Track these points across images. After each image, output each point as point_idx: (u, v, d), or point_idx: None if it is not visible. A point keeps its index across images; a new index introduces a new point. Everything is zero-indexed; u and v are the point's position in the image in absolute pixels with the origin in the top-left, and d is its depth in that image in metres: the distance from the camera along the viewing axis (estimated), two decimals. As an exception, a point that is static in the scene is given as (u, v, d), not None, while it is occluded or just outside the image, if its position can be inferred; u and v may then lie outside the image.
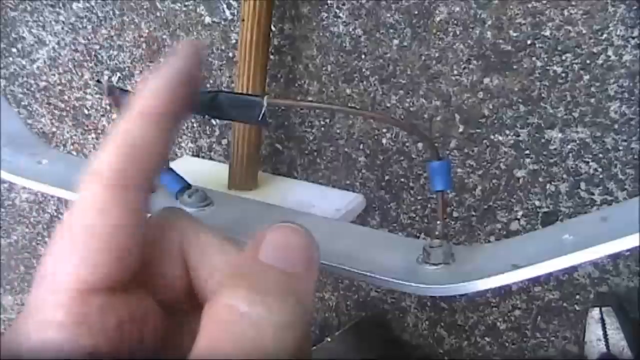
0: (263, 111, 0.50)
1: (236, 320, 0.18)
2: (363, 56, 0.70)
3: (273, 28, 0.71)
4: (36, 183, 0.61)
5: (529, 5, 0.61)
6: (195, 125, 0.84)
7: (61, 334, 0.19)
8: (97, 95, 0.90)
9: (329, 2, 0.69)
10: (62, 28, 0.89)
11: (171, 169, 0.58)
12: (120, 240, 0.19)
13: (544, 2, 0.60)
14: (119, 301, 0.20)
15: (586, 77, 0.61)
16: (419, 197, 0.72)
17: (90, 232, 0.19)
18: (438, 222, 0.50)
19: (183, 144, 0.86)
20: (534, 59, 0.62)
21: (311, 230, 0.58)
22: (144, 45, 0.84)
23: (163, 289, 0.22)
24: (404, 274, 0.49)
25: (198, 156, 0.85)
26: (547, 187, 0.65)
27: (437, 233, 0.49)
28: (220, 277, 0.22)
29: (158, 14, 0.81)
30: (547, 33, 0.61)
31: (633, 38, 0.58)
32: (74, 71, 0.90)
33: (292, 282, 0.20)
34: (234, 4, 0.75)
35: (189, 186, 0.57)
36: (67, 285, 0.19)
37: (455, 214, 0.71)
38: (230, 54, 0.77)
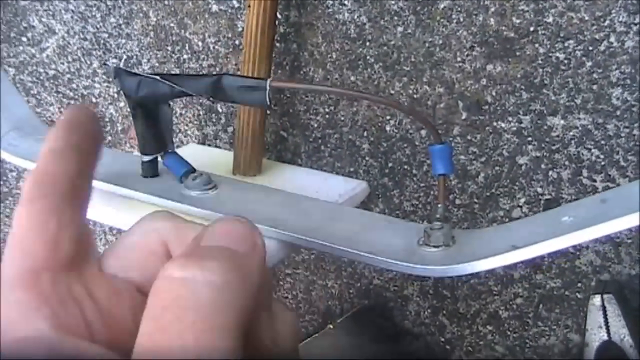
0: (266, 94, 0.51)
1: (173, 286, 0.19)
2: (367, 43, 0.70)
3: (279, 16, 0.72)
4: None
5: (533, -7, 0.61)
6: (201, 113, 0.85)
7: (21, 309, 0.21)
8: (105, 84, 0.91)
9: (334, -11, 0.70)
10: (72, 17, 0.90)
11: (176, 153, 0.58)
12: (48, 231, 0.23)
13: (547, -11, 0.60)
14: (74, 279, 0.22)
15: (588, 64, 0.61)
16: (422, 184, 0.73)
17: (22, 229, 0.23)
18: (439, 205, 0.50)
19: (189, 132, 0.87)
20: (536, 45, 0.62)
21: (314, 213, 0.59)
22: (152, 34, 0.85)
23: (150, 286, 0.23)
24: (405, 255, 0.50)
25: (204, 144, 0.86)
26: (550, 174, 0.66)
27: (437, 216, 0.50)
28: None
29: (166, 2, 0.82)
30: (550, 20, 0.61)
31: (635, 24, 0.58)
32: (82, 60, 0.92)
33: (231, 252, 0.21)
34: (241, -8, 0.76)
35: (193, 170, 0.58)
36: (14, 270, 0.22)
37: (457, 201, 0.71)
38: (237, 42, 0.78)
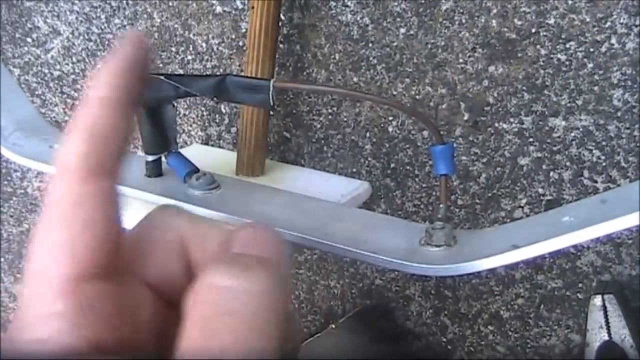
0: (270, 94, 0.51)
1: (221, 295, 0.19)
2: (370, 45, 0.71)
3: (282, 17, 0.73)
4: (47, 166, 0.62)
5: (534, -5, 0.62)
6: (204, 113, 0.85)
7: (64, 323, 0.19)
8: (110, 84, 0.92)
9: (337, -9, 0.71)
10: (77, 18, 0.90)
11: (180, 154, 0.59)
12: (98, 228, 0.20)
13: (549, -10, 0.61)
14: (113, 289, 0.21)
15: (590, 65, 0.61)
16: (424, 185, 0.73)
17: (70, 224, 0.20)
18: (441, 205, 0.51)
19: (193, 132, 0.87)
20: (538, 47, 0.63)
21: (316, 213, 0.59)
22: (156, 35, 0.85)
23: (166, 286, 0.23)
24: (406, 255, 0.50)
25: (207, 144, 0.86)
26: (551, 174, 0.66)
27: (439, 216, 0.51)
28: None
29: (170, 3, 0.82)
30: (552, 21, 0.61)
31: (636, 26, 0.58)
32: (87, 60, 0.92)
33: (269, 261, 0.21)
34: (245, -7, 0.77)
35: (197, 170, 0.58)
36: (59, 277, 0.20)
37: (459, 202, 0.72)
38: (240, 43, 0.79)
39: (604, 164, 0.64)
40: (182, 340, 0.19)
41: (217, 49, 0.81)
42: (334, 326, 0.81)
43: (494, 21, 0.64)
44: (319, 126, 0.77)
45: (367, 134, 0.74)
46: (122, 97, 0.22)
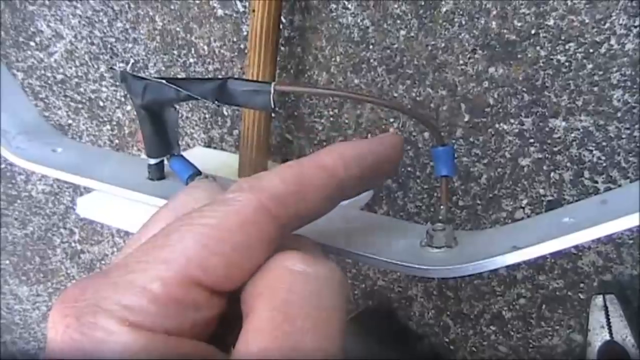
0: (271, 97, 0.51)
1: (298, 279, 0.20)
2: (371, 47, 0.71)
3: (283, 20, 0.73)
4: (50, 169, 0.63)
5: (534, -4, 0.62)
6: (207, 116, 0.86)
7: (147, 306, 0.19)
8: (112, 88, 0.92)
9: (338, -6, 0.71)
10: (79, 22, 0.91)
11: (182, 156, 0.59)
12: (245, 258, 0.20)
13: (548, -8, 0.61)
14: (213, 304, 0.20)
15: (589, 66, 0.61)
16: (426, 186, 0.74)
17: (225, 235, 0.20)
18: (441, 206, 0.51)
19: (195, 135, 0.88)
20: (538, 48, 0.63)
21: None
22: (158, 38, 0.86)
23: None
24: (407, 256, 0.50)
25: (210, 146, 0.87)
26: (552, 175, 0.66)
27: (440, 217, 0.51)
28: None
29: (172, 7, 0.83)
30: (551, 22, 0.62)
31: (635, 27, 0.59)
32: (90, 64, 0.93)
33: (324, 256, 0.22)
34: (246, -4, 0.77)
35: (199, 172, 0.59)
36: (178, 266, 0.19)
37: (461, 203, 0.72)
38: (242, 46, 0.79)
39: (604, 164, 0.64)
40: (253, 320, 0.19)
41: (219, 52, 0.81)
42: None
43: (493, 23, 0.64)
44: (320, 128, 0.77)
45: (369, 136, 0.74)
46: (344, 180, 0.23)
